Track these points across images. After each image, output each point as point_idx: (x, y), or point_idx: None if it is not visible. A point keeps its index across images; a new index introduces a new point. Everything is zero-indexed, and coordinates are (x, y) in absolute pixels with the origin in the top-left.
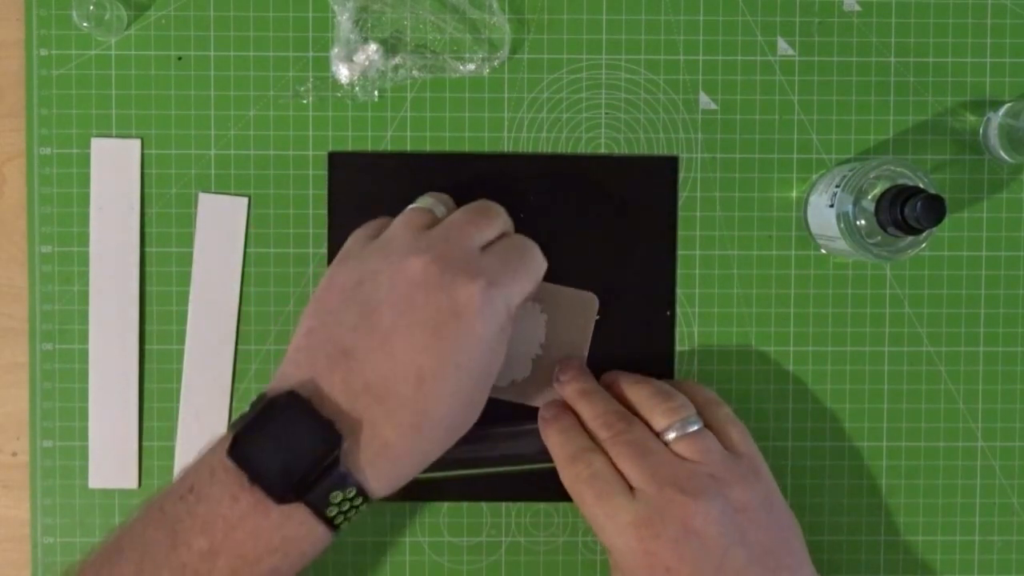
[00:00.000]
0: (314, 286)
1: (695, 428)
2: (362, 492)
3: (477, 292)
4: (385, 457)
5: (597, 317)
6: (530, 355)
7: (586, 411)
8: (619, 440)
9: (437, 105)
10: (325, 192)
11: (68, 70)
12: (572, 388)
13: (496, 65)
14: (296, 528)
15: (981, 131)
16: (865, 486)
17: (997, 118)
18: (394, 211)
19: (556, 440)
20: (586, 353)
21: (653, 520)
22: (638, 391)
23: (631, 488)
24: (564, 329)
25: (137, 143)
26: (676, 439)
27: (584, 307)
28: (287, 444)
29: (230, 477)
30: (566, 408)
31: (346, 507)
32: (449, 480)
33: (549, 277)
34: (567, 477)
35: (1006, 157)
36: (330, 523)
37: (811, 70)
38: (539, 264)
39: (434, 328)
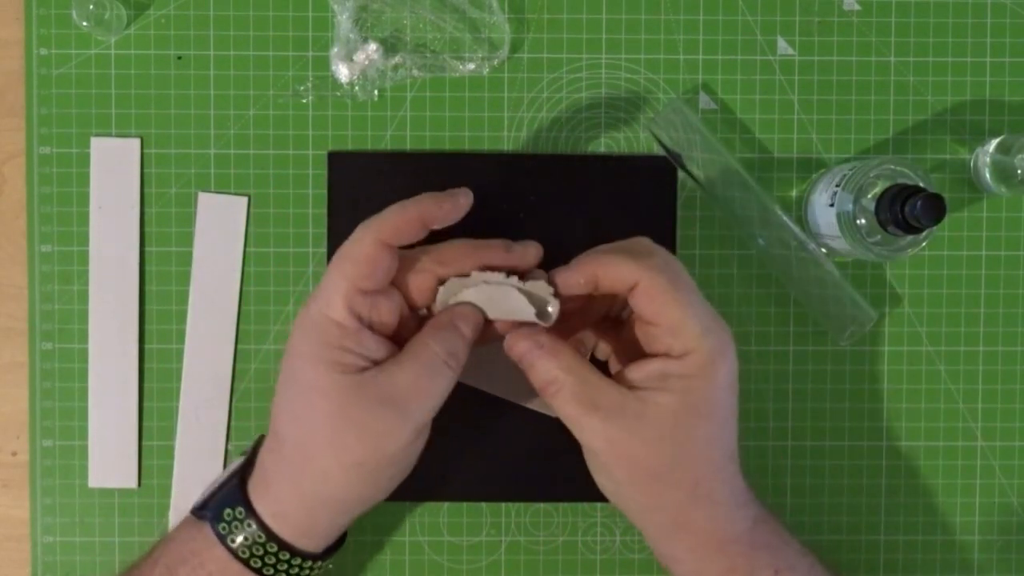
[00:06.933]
0: (314, 286)
1: None
2: (251, 512)
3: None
4: (265, 485)
5: None
6: None
7: None
8: None
9: (437, 105)
10: (325, 191)
11: (68, 70)
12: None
13: (496, 65)
14: (201, 541)
15: (971, 165)
16: (865, 486)
17: (987, 154)
18: None
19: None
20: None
21: None
22: None
23: None
24: None
25: (137, 143)
26: None
27: None
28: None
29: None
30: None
31: (238, 530)
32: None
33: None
34: None
35: (996, 191)
36: (224, 542)
37: (811, 70)
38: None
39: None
